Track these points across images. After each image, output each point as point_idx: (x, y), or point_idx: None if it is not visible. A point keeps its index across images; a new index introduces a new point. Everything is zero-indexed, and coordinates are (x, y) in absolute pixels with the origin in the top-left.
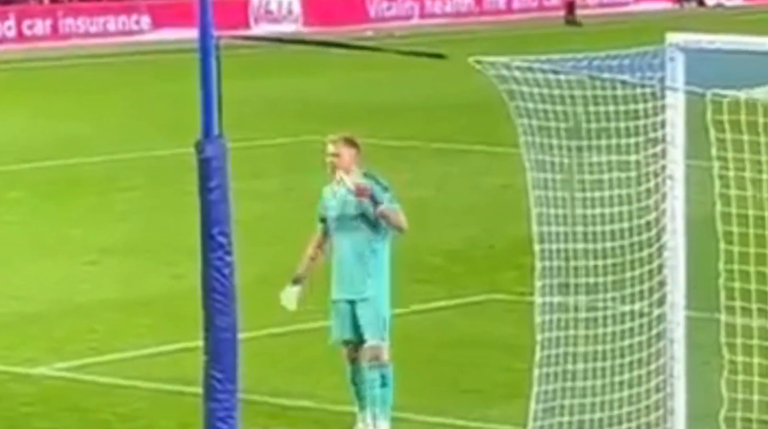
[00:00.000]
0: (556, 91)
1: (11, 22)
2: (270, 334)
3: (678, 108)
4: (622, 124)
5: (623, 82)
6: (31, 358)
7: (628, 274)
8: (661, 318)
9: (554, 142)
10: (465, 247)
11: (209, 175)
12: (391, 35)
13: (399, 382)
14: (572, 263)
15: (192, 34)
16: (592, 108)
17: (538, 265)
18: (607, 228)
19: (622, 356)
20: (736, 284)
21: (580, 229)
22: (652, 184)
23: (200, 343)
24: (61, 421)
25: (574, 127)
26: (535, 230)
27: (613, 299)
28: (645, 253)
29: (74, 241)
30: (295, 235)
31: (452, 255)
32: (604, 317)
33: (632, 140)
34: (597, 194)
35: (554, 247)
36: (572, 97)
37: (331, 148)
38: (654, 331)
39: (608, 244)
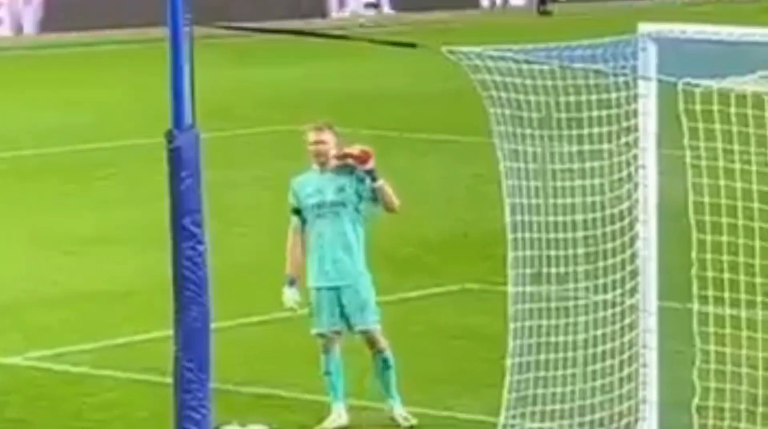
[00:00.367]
0: (529, 81)
1: None
2: (243, 323)
3: (650, 97)
4: (595, 114)
5: (596, 72)
6: (5, 348)
7: (600, 264)
8: (633, 307)
9: (527, 131)
10: (438, 237)
11: (180, 165)
12: (361, 24)
13: (371, 371)
14: (545, 253)
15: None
16: (564, 98)
17: (511, 254)
18: (580, 217)
19: (595, 346)
20: (709, 274)
21: (552, 218)
22: (624, 173)
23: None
24: (34, 410)
25: (546, 117)
26: (508, 220)
27: (586, 289)
28: (618, 242)
29: (48, 231)
30: (268, 225)
31: (425, 245)
32: (576, 307)
33: (604, 130)
34: (569, 184)
35: (527, 236)
36: (545, 86)
37: (314, 137)
38: (626, 321)
39: (581, 234)
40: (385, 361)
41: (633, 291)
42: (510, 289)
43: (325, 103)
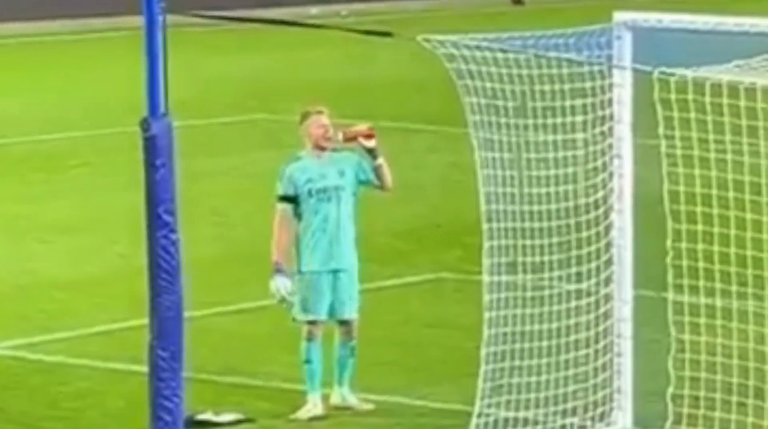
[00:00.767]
0: (504, 70)
1: None
2: (218, 312)
3: (625, 86)
4: (570, 103)
5: (571, 61)
6: None
7: (575, 253)
8: (608, 297)
9: (502, 120)
10: (412, 226)
11: (155, 153)
12: (338, 14)
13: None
14: (520, 242)
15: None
16: (539, 87)
17: (485, 243)
18: (554, 207)
19: (570, 335)
20: (684, 262)
21: (528, 208)
22: (599, 162)
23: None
24: (8, 399)
25: (521, 106)
26: (483, 209)
27: (561, 278)
28: (593, 232)
29: (22, 220)
30: (243, 214)
31: (399, 234)
32: (552, 296)
33: (579, 119)
34: (545, 173)
35: (502, 225)
36: (520, 75)
37: (323, 119)
38: (601, 310)
39: (556, 223)
40: (352, 349)
41: (608, 280)
42: (485, 278)
43: (300, 92)
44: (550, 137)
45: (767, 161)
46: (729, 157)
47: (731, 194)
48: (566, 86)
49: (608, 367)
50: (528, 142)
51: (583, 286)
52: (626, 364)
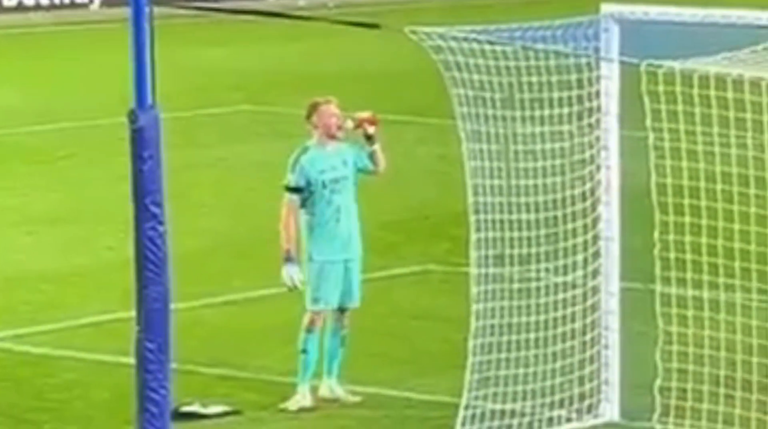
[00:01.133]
0: (492, 62)
1: None
2: (206, 304)
3: (612, 78)
4: (557, 95)
5: (558, 53)
6: None
7: (563, 245)
8: (596, 289)
9: (490, 112)
10: (400, 218)
11: (142, 144)
12: (325, 5)
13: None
14: (507, 234)
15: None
16: (527, 78)
17: (473, 236)
18: (542, 199)
19: (556, 327)
20: (671, 255)
21: (515, 199)
22: (586, 154)
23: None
24: None
25: (509, 98)
26: (471, 201)
27: (548, 270)
28: (580, 223)
29: (8, 212)
30: (231, 205)
31: (387, 225)
32: (539, 288)
33: (566, 110)
34: (532, 165)
35: (489, 217)
36: (507, 67)
37: (333, 109)
38: (589, 302)
39: (543, 215)
40: (343, 339)
41: (595, 272)
42: (473, 270)
43: (287, 84)
44: (538, 129)
45: (755, 153)
46: (717, 149)
47: (719, 186)
48: (553, 78)
49: (595, 359)
50: (515, 134)
51: (570, 278)
52: (613, 356)
